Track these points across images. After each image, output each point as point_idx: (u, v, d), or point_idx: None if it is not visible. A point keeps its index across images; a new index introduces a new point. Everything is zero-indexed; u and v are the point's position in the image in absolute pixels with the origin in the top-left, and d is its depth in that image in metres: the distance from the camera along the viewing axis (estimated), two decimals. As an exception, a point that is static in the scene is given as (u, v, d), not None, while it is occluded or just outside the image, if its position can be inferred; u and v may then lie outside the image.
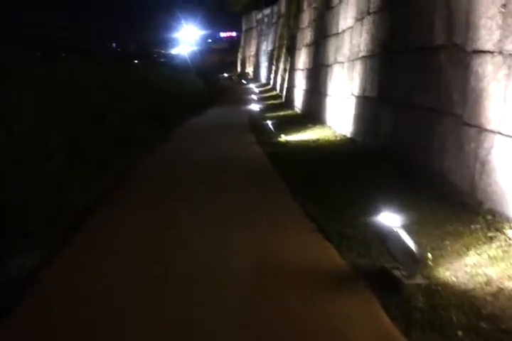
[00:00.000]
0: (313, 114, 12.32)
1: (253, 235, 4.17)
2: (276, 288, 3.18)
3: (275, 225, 4.44)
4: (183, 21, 48.20)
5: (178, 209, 4.98)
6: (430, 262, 3.20)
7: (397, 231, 3.04)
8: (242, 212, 4.86)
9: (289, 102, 17.98)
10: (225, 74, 44.29)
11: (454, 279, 3.10)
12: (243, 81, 41.18)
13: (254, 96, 23.79)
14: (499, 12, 4.22)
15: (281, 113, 15.56)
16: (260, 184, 5.98)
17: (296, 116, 13.90)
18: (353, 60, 8.85)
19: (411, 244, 3.00)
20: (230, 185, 5.95)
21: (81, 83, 7.88)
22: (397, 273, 3.08)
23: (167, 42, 58.62)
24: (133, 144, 7.78)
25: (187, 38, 51.81)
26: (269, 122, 9.83)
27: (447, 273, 3.18)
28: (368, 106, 7.81)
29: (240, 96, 25.20)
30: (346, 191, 5.31)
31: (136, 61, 30.60)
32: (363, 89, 8.13)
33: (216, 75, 38.36)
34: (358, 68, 8.43)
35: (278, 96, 23.19)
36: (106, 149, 6.69)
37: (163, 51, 64.48)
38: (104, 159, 6.27)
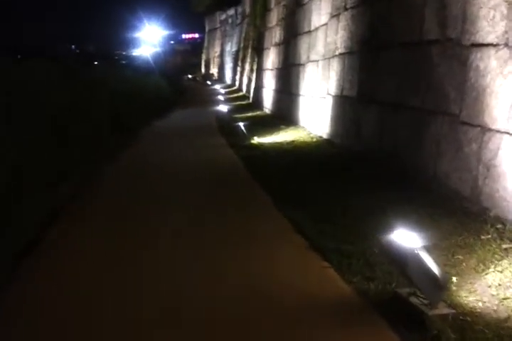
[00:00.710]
0: (284, 115, 11.86)
1: (237, 257, 3.63)
2: (272, 326, 2.64)
3: (261, 242, 3.91)
4: (145, 21, 47.12)
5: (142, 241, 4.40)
6: (452, 286, 2.74)
7: (417, 252, 2.55)
8: (222, 227, 4.30)
9: (257, 103, 17.50)
10: (189, 76, 43.54)
11: (481, 305, 2.64)
12: (208, 82, 40.56)
13: (220, 97, 23.22)
14: (505, 1, 3.82)
15: (250, 114, 15.05)
16: (238, 193, 5.44)
17: (266, 117, 13.43)
18: (328, 58, 8.42)
19: (432, 265, 2.53)
20: (203, 195, 5.40)
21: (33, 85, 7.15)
22: (414, 300, 2.61)
23: (128, 43, 57.41)
24: (91, 151, 7.12)
25: (149, 39, 50.78)
26: (240, 124, 9.31)
27: (471, 298, 2.72)
28: (347, 106, 7.39)
29: (206, 98, 24.59)
30: (334, 199, 4.83)
31: (96, 63, 29.61)
32: (341, 88, 7.70)
33: (180, 77, 37.59)
34: (335, 66, 8.01)
35: (245, 97, 22.70)
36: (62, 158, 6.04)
37: (124, 53, 63.09)
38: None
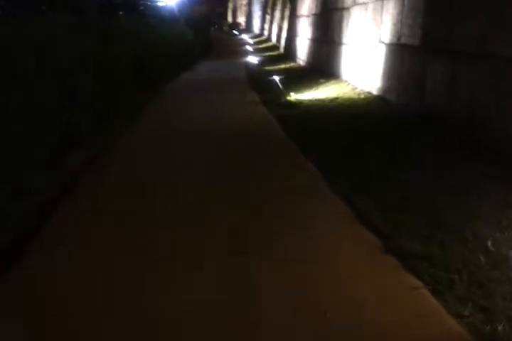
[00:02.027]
0: (323, 67, 10.63)
1: (286, 260, 2.70)
2: None
3: (314, 238, 2.95)
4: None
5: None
6: None
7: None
8: (265, 213, 3.34)
9: (289, 54, 16.16)
10: (216, 25, 41.70)
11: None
12: (235, 32, 38.86)
13: (249, 48, 21.88)
14: None
15: (283, 66, 13.81)
16: (277, 165, 4.41)
17: (301, 69, 12.19)
18: (381, 0, 7.14)
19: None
20: (238, 167, 4.41)
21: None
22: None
23: (153, -8, 55.09)
24: (114, 110, 6.17)
25: (174, -13, 48.51)
26: (275, 77, 8.17)
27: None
28: (407, 56, 6.18)
29: (234, 48, 23.23)
30: (400, 175, 3.81)
31: (121, 13, 28.18)
32: (398, 35, 6.47)
33: (206, 27, 35.93)
34: (391, 9, 6.73)
35: (275, 48, 21.29)
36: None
37: (149, 3, 60.91)
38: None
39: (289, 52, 16.35)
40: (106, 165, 4.47)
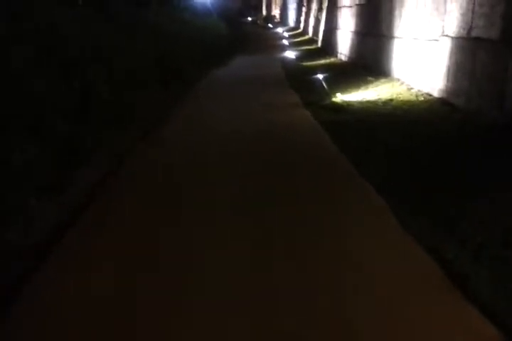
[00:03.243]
0: (369, 64, 9.61)
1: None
2: None
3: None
4: (202, -40, 44.05)
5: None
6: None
7: None
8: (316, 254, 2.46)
9: (328, 48, 15.14)
10: (250, 18, 40.76)
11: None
12: (269, 25, 37.89)
13: (284, 42, 20.91)
14: None
15: (323, 61, 12.83)
16: (326, 190, 3.51)
17: (344, 65, 11.17)
18: (445, -15, 6.10)
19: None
20: (281, 188, 3.54)
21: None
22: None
23: (186, -15, 54.51)
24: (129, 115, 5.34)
25: (207, -21, 47.75)
26: (318, 76, 7.22)
27: None
28: (482, 52, 5.16)
29: (269, 42, 22.31)
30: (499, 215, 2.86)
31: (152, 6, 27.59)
32: (468, 26, 5.44)
33: (240, 19, 35.05)
34: (458, -5, 5.71)
35: (312, 41, 20.26)
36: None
37: (181, -5, 60.33)
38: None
39: (328, 46, 15.31)
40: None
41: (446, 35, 6.02)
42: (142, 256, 2.56)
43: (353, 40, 11.54)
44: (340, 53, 12.98)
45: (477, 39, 5.26)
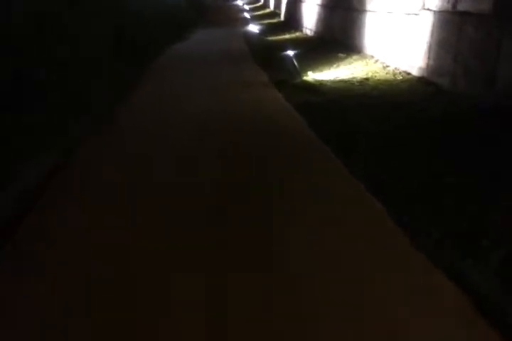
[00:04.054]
0: (338, 39, 9.10)
1: None
2: None
3: None
4: None
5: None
6: None
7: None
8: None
9: (292, 22, 14.54)
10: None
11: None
12: (229, -3, 36.67)
13: (245, 15, 20.12)
14: None
15: (288, 36, 12.24)
16: (313, 187, 3.04)
17: (311, 40, 10.62)
18: (426, -48, 5.60)
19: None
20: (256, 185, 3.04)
21: None
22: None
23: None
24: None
25: None
26: (287, 52, 6.64)
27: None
28: (469, 27, 4.72)
29: (229, 15, 21.48)
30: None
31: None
32: (453, -1, 4.99)
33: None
34: (442, -36, 5.23)
35: (274, 15, 19.58)
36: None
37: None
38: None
39: (292, 20, 14.70)
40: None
41: (428, 9, 5.56)
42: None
43: (319, 13, 10.97)
44: (306, 28, 12.41)
45: (464, 13, 4.81)
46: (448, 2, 5.11)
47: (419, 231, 2.37)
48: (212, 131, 4.37)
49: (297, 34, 12.37)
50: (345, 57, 7.51)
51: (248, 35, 12.78)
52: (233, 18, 20.13)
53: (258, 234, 2.44)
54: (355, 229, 2.47)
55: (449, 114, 4.25)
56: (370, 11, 7.51)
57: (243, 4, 28.03)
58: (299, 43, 9.93)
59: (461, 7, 4.89)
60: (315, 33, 11.32)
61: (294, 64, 6.40)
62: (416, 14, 5.86)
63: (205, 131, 4.35)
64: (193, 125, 4.58)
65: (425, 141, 3.63)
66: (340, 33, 9.12)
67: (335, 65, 7.11)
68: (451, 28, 5.04)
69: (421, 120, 4.13)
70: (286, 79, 6.35)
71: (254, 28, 13.86)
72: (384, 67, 6.49)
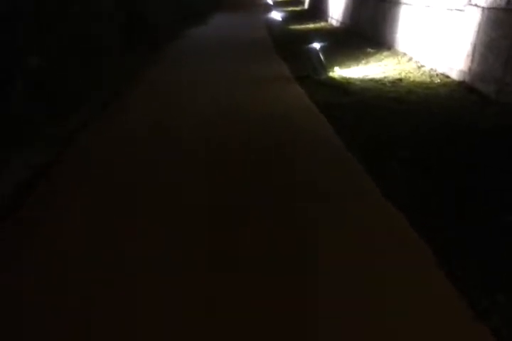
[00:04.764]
0: (367, 32, 8.50)
1: None
2: None
3: None
4: None
5: None
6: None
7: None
8: None
9: (317, 11, 13.90)
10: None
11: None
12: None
13: (268, 0, 19.45)
14: None
15: (311, 25, 11.63)
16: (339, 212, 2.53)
17: (337, 32, 10.00)
18: None
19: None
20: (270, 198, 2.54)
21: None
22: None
23: None
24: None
25: None
26: (311, 44, 6.05)
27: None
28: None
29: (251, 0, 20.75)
30: None
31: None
32: (508, -5, 4.40)
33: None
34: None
35: (298, 2, 18.92)
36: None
37: None
38: None
39: (317, 8, 14.05)
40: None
41: (475, 5, 4.97)
42: None
43: (347, 3, 10.34)
44: (332, 18, 11.78)
45: (521, 12, 4.23)
46: (501, -2, 4.52)
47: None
48: (236, 122, 3.87)
49: (322, 24, 11.75)
50: (375, 53, 6.94)
51: (270, 23, 12.19)
52: (254, 2, 19.46)
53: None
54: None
55: (505, 131, 3.68)
56: (405, 3, 6.90)
57: (266, -11, 27.25)
58: (323, 34, 9.32)
59: (517, 5, 4.31)
60: (341, 23, 10.69)
61: (320, 58, 5.84)
62: (460, 10, 5.26)
63: (231, 126, 3.86)
64: (220, 117, 4.08)
65: (480, 166, 3.09)
66: (369, 26, 8.51)
67: (363, 61, 6.54)
68: (503, 28, 4.45)
69: (472, 138, 3.56)
70: (311, 75, 5.81)
71: (276, 15, 13.24)
72: (419, 67, 5.92)
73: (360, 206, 2.62)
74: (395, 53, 6.77)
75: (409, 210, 2.51)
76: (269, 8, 15.81)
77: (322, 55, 6.02)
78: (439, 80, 5.28)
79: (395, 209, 2.54)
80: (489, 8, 4.71)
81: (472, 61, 4.93)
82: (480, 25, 4.85)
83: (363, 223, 2.44)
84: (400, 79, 5.47)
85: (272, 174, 3.04)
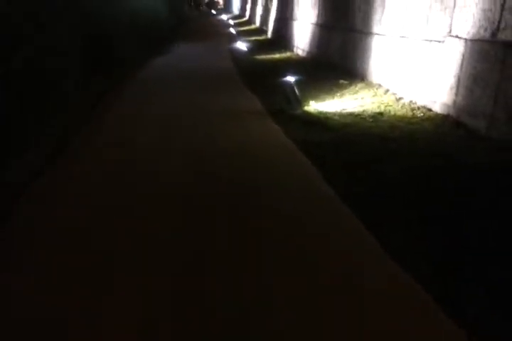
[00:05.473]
0: (336, 62, 8.28)
1: None
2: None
3: None
4: None
5: None
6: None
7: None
8: None
9: (281, 40, 13.75)
10: (192, 3, 38.77)
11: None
12: (213, 11, 36.20)
13: (231, 30, 19.37)
14: None
15: (277, 55, 11.40)
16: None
17: (304, 62, 9.76)
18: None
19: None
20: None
21: None
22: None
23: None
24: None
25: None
26: (290, 78, 5.68)
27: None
28: (517, 61, 3.90)
29: (213, 29, 20.69)
30: None
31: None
32: (494, 25, 4.17)
33: (182, 4, 33.14)
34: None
35: (261, 31, 18.85)
36: None
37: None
38: None
39: (280, 38, 13.92)
40: None
41: (456, 37, 4.74)
42: None
43: (314, 33, 10.17)
44: (297, 47, 11.61)
45: (509, 44, 3.99)
46: (486, 29, 4.29)
47: None
48: (204, 167, 3.40)
49: (288, 54, 11.54)
50: (349, 85, 6.66)
51: (235, 53, 11.92)
52: (218, 32, 19.35)
53: None
54: None
55: (506, 172, 3.35)
56: (377, 33, 6.69)
57: (228, 19, 27.36)
58: (290, 64, 9.09)
59: (503, 36, 4.07)
60: (308, 53, 10.50)
61: (294, 92, 5.49)
62: (439, 41, 5.03)
63: (194, 164, 3.38)
64: (179, 157, 3.61)
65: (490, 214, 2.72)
66: (339, 56, 8.29)
67: (338, 94, 6.25)
68: (490, 60, 4.20)
69: (471, 181, 3.22)
70: (285, 109, 5.45)
71: (240, 45, 13.02)
72: (397, 100, 5.64)
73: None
74: (370, 85, 6.51)
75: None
76: (233, 38, 15.64)
77: (297, 88, 5.68)
78: (421, 114, 4.99)
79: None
80: (474, 40, 4.47)
81: (456, 94, 4.66)
82: (464, 57, 4.61)
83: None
84: (381, 113, 5.16)
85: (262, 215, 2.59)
